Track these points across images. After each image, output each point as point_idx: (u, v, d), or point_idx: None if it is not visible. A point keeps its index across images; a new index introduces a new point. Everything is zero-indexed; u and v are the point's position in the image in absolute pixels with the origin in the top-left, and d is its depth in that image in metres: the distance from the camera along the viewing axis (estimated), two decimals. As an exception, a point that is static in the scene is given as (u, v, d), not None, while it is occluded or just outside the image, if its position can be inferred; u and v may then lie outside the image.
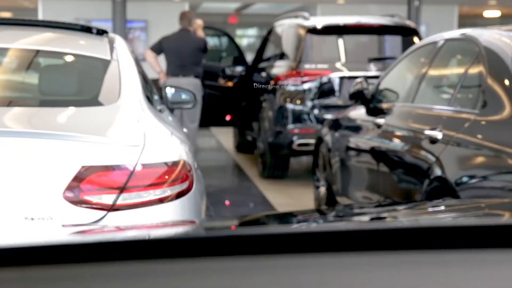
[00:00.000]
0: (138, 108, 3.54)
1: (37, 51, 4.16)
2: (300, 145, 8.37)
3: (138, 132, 3.26)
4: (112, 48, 4.05)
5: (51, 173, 3.01)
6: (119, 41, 4.27)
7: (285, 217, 1.65)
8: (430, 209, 1.66)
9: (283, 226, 1.40)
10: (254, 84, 9.48)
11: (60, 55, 4.17)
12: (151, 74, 8.16)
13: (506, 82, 3.97)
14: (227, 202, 8.07)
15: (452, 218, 1.45)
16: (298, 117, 8.40)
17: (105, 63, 3.88)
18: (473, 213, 1.51)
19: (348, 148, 5.89)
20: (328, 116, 7.61)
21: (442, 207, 1.71)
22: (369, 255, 1.04)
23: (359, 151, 5.72)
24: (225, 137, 12.45)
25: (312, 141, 7.21)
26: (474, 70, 4.34)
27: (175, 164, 3.23)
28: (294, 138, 8.37)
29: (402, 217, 1.50)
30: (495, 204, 1.75)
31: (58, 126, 3.37)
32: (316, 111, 8.36)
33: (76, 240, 1.25)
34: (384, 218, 1.51)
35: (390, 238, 1.08)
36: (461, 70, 4.65)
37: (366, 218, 1.54)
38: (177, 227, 1.60)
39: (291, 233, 1.14)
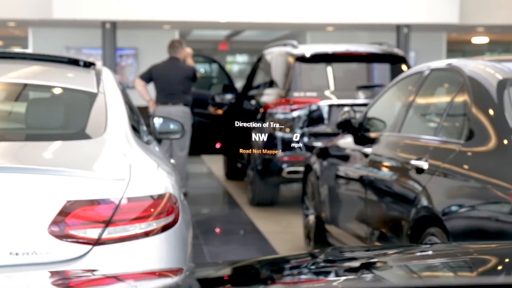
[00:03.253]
0: (124, 141, 3.55)
1: (24, 85, 4.17)
2: (289, 172, 8.38)
3: (123, 166, 3.26)
4: (98, 81, 4.06)
5: (36, 208, 3.01)
6: (106, 73, 4.28)
7: (279, 264, 1.61)
8: (419, 254, 1.64)
9: (278, 283, 1.36)
10: (244, 112, 9.51)
11: (47, 88, 4.18)
12: (140, 102, 8.18)
13: (491, 112, 4.01)
14: (217, 230, 8.06)
15: (443, 269, 1.43)
16: (287, 145, 8.41)
17: (92, 96, 3.89)
18: (462, 259, 1.50)
19: (336, 177, 5.90)
20: (317, 143, 7.64)
21: (431, 252, 1.69)
22: None
23: (347, 179, 5.74)
24: (215, 164, 12.45)
25: (302, 168, 7.22)
26: (459, 100, 4.37)
27: (160, 197, 3.23)
28: (284, 166, 8.38)
29: (393, 264, 1.47)
30: (482, 250, 1.74)
31: (43, 160, 3.37)
32: (305, 139, 8.38)
33: None
34: (376, 265, 1.48)
35: None
36: (446, 100, 4.69)
37: (357, 264, 1.51)
38: (166, 278, 1.56)
39: None
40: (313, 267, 1.52)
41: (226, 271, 1.50)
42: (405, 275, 1.45)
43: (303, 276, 1.38)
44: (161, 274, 1.68)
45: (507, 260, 1.47)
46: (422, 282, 1.32)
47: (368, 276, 1.42)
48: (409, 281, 1.34)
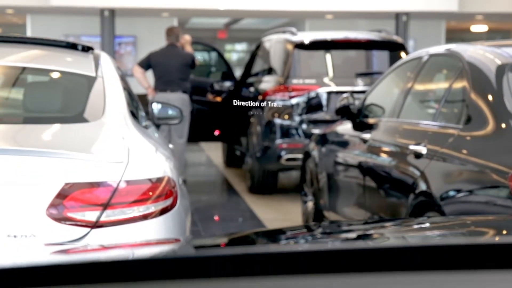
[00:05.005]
0: (122, 125, 3.54)
1: (22, 68, 4.16)
2: (288, 160, 8.38)
3: (122, 149, 3.26)
4: (97, 65, 4.05)
5: (34, 190, 3.01)
6: (104, 57, 4.27)
7: (274, 235, 1.63)
8: (416, 227, 1.65)
9: (273, 246, 1.38)
10: (242, 99, 9.50)
11: (45, 72, 4.17)
12: (139, 90, 8.17)
13: (489, 97, 4.00)
14: (215, 217, 8.06)
15: (440, 236, 1.44)
16: (286, 132, 8.41)
17: (90, 80, 3.89)
18: (459, 231, 1.51)
19: (335, 163, 5.90)
20: (316, 131, 7.63)
21: (428, 224, 1.70)
22: (360, 276, 1.02)
23: (345, 166, 5.74)
24: (214, 151, 12.46)
25: (300, 156, 7.22)
26: (458, 85, 4.37)
27: (159, 180, 3.23)
28: (282, 153, 8.38)
29: (390, 235, 1.48)
30: (480, 221, 1.75)
31: (41, 143, 3.37)
32: (304, 126, 8.37)
33: (59, 261, 1.23)
34: (372, 236, 1.49)
35: (378, 258, 1.06)
36: (445, 85, 4.68)
37: (353, 235, 1.52)
38: (163, 245, 1.57)
39: (281, 253, 1.12)
40: (309, 237, 1.53)
41: (222, 240, 1.51)
42: (402, 240, 1.46)
43: (299, 245, 1.39)
44: (158, 243, 1.69)
45: (504, 228, 1.48)
46: (418, 242, 1.32)
47: (364, 242, 1.43)
48: (405, 242, 1.35)
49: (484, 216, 1.88)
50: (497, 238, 1.32)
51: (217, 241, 1.53)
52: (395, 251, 1.09)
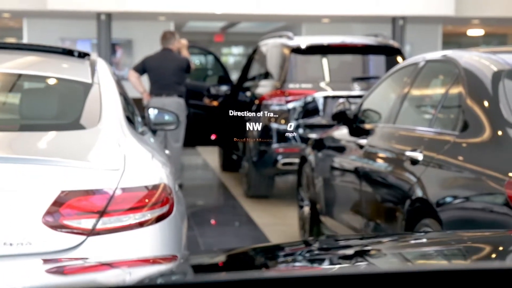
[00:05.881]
0: (118, 132, 3.54)
1: (18, 75, 4.16)
2: (284, 164, 8.38)
3: (118, 156, 3.26)
4: (93, 71, 4.05)
5: (30, 198, 3.01)
6: (100, 63, 4.27)
7: (273, 252, 1.61)
8: (413, 242, 1.64)
9: (271, 270, 1.36)
10: (239, 103, 9.51)
11: (41, 78, 4.17)
12: (134, 94, 8.17)
13: (485, 103, 4.01)
14: (212, 222, 8.06)
15: (437, 255, 1.43)
16: (282, 137, 8.41)
17: (86, 87, 3.89)
18: (456, 248, 1.50)
19: (331, 168, 5.90)
20: (313, 135, 7.64)
21: (425, 240, 1.69)
22: None
23: (341, 171, 5.74)
24: (211, 156, 12.45)
25: (297, 160, 7.23)
26: (454, 91, 4.37)
27: (155, 187, 3.23)
28: (279, 157, 8.39)
29: (387, 252, 1.47)
30: (477, 238, 1.74)
31: (37, 151, 3.37)
32: (300, 131, 8.38)
33: (54, 285, 1.21)
34: (370, 253, 1.48)
35: (376, 283, 1.05)
36: (441, 92, 4.69)
37: (352, 252, 1.51)
38: (160, 264, 1.55)
39: (282, 278, 1.11)
40: (307, 254, 1.52)
41: (220, 258, 1.50)
42: (399, 261, 1.45)
43: (297, 263, 1.38)
44: (155, 261, 1.67)
45: (500, 247, 1.47)
46: (416, 267, 1.32)
47: (362, 263, 1.42)
48: (403, 266, 1.34)
49: (481, 232, 1.87)
50: (496, 263, 1.32)
51: (214, 259, 1.51)
52: (392, 276, 1.09)
